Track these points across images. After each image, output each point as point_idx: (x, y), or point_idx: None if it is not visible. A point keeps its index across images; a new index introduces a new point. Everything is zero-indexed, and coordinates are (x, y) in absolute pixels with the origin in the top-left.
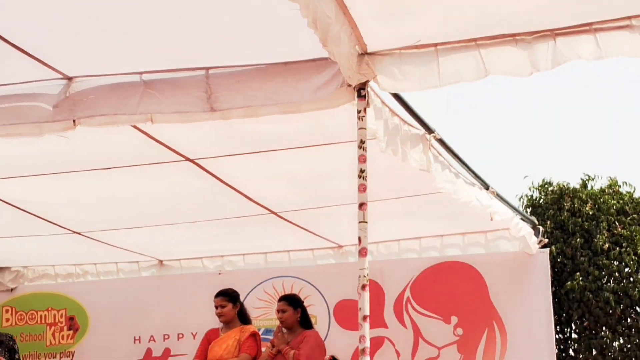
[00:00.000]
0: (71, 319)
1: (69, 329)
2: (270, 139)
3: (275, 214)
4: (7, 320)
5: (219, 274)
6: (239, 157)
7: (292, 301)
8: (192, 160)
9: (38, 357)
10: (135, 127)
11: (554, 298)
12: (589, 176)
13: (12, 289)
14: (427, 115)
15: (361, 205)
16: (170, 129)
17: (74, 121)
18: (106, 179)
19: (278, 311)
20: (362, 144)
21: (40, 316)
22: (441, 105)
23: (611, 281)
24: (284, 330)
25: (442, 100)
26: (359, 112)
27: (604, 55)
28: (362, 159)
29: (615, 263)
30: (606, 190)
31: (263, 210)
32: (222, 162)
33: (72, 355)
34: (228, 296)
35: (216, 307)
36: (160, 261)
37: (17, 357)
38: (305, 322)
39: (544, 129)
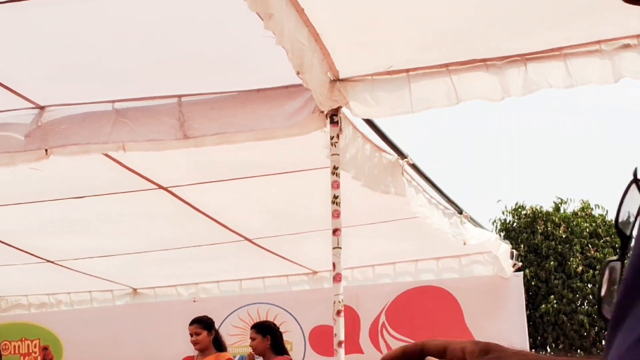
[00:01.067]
0: (45, 348)
1: (43, 359)
2: (243, 166)
3: (250, 240)
4: None
5: (194, 301)
6: (213, 185)
7: (260, 329)
8: (165, 189)
9: None
10: (108, 155)
11: (528, 321)
12: (562, 199)
13: None
14: (399, 141)
15: (335, 231)
16: (143, 157)
17: (46, 150)
18: (79, 207)
19: (250, 339)
20: (335, 169)
21: (14, 346)
22: (414, 131)
23: (585, 304)
24: (258, 357)
25: (414, 126)
26: (331, 138)
27: (575, 84)
28: (335, 185)
29: (589, 286)
30: (579, 213)
31: (237, 237)
32: (196, 190)
33: None
34: (203, 323)
35: (191, 335)
36: (135, 289)
37: None
38: (277, 348)
39: (516, 154)
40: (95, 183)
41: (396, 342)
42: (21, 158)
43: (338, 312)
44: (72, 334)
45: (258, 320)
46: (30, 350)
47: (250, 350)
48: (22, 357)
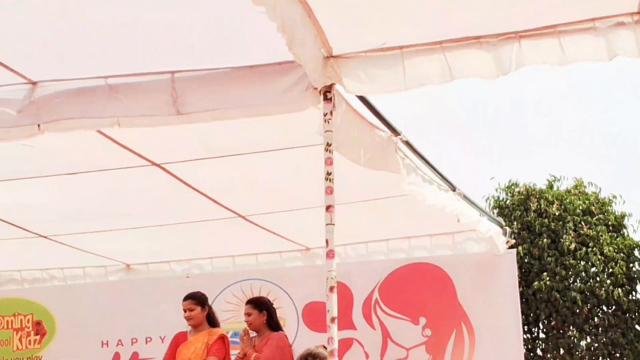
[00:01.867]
0: (38, 323)
1: (36, 334)
2: (237, 142)
3: (243, 217)
4: None
5: (187, 277)
6: (206, 162)
7: (257, 304)
8: (158, 165)
9: None
10: (100, 132)
11: (521, 298)
12: (555, 177)
13: None
14: (393, 117)
15: (328, 208)
16: (136, 134)
17: (38, 126)
18: (72, 183)
19: (244, 314)
20: (328, 146)
21: (7, 321)
22: (407, 108)
23: (578, 281)
24: (253, 333)
25: (408, 102)
26: (325, 114)
27: (568, 61)
28: (328, 162)
29: (582, 263)
30: (572, 191)
31: (230, 213)
32: (189, 166)
33: None
34: (196, 299)
35: (184, 311)
36: (128, 265)
37: None
38: (272, 324)
39: (510, 130)
40: (88, 160)
41: (390, 318)
42: (14, 134)
43: (331, 289)
44: (65, 309)
45: (252, 297)
46: (24, 325)
47: (244, 326)
48: (15, 332)
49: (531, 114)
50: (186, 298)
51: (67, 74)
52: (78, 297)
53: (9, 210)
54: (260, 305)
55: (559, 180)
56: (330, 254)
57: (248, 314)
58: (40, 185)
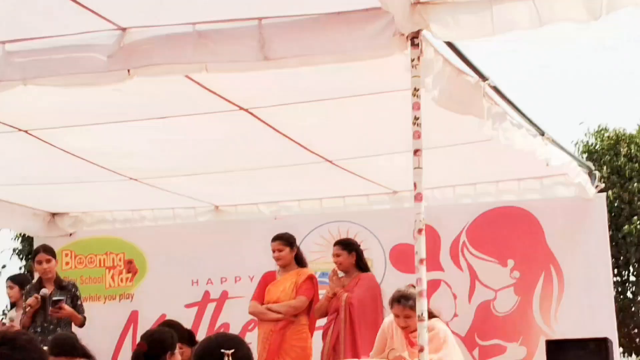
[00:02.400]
0: (129, 262)
1: (128, 272)
2: (324, 88)
3: (330, 162)
4: (67, 263)
5: (275, 219)
6: (293, 106)
7: (346, 245)
8: (246, 110)
9: (98, 299)
10: (188, 77)
11: (611, 242)
12: None
13: (70, 234)
14: (480, 63)
15: (416, 152)
16: (223, 79)
17: (128, 71)
18: (161, 127)
19: (333, 255)
20: (415, 91)
21: (99, 260)
22: (495, 53)
23: None
24: (341, 274)
25: (495, 48)
26: (412, 60)
27: None
28: (416, 107)
29: None
30: None
31: (318, 158)
32: (276, 111)
33: (132, 297)
34: (285, 240)
35: (273, 251)
36: (216, 206)
37: (79, 303)
38: (361, 265)
39: (599, 74)
40: (177, 104)
41: (477, 260)
42: (104, 78)
43: (419, 231)
44: (156, 248)
45: (340, 238)
46: (115, 264)
47: (332, 266)
48: (107, 270)
49: (621, 57)
50: (275, 239)
51: (155, 21)
52: (168, 237)
53: (100, 154)
54: (350, 246)
55: None
56: (418, 197)
57: (337, 255)
58: (130, 129)
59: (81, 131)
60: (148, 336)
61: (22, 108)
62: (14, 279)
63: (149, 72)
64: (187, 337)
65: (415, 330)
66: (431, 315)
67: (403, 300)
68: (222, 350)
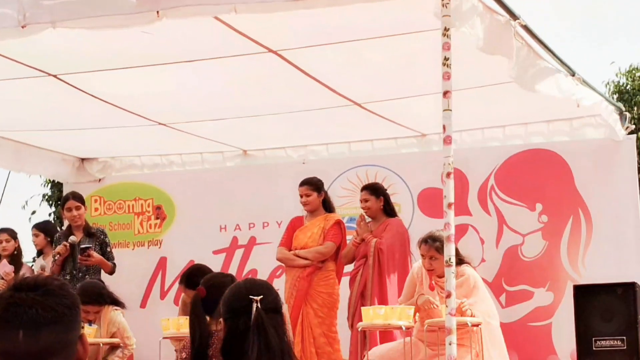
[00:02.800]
0: (158, 208)
1: (156, 218)
2: (352, 29)
3: (359, 105)
4: (96, 209)
5: (303, 163)
6: (322, 48)
7: (374, 190)
8: (275, 52)
9: (127, 246)
10: (218, 19)
11: None
12: None
13: (99, 180)
14: (511, 2)
15: (445, 93)
16: (252, 20)
17: (157, 12)
18: (190, 71)
19: (361, 200)
20: (446, 31)
21: (128, 206)
22: None
23: None
24: (368, 219)
25: None
26: None
27: None
28: (446, 47)
29: None
30: None
31: (346, 101)
32: (305, 53)
33: (160, 244)
34: (313, 185)
35: (301, 196)
36: (245, 151)
37: (108, 250)
38: (388, 210)
39: (630, 14)
40: (206, 47)
41: (506, 205)
42: (133, 20)
43: (448, 174)
44: (184, 194)
45: (367, 182)
46: (144, 210)
47: (360, 211)
48: (136, 216)
49: None
50: (303, 183)
51: None
52: (196, 182)
53: (129, 99)
54: (377, 191)
55: None
56: (447, 140)
57: (365, 200)
58: (158, 73)
59: (110, 75)
60: (207, 281)
61: (51, 52)
62: (39, 227)
63: (178, 13)
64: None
65: (442, 275)
66: (462, 261)
67: (430, 241)
68: (251, 297)
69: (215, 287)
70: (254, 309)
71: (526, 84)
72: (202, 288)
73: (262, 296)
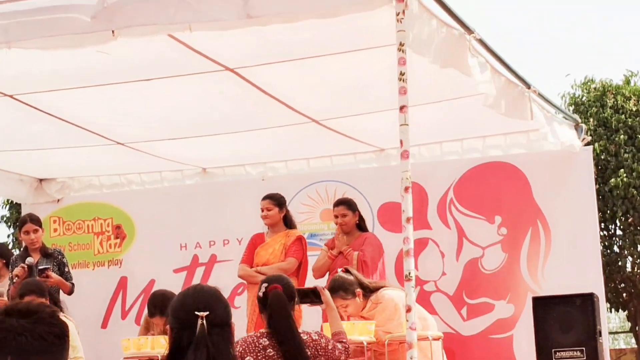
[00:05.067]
0: (118, 227)
1: (116, 237)
2: (308, 46)
3: (317, 122)
4: (55, 230)
5: (262, 180)
6: (278, 66)
7: (350, 205)
8: (232, 70)
9: (87, 266)
10: (173, 37)
11: (597, 195)
12: (632, 72)
13: (58, 200)
14: (465, 16)
15: (402, 108)
16: (208, 38)
17: (112, 32)
18: (147, 90)
19: (337, 216)
20: (401, 46)
21: (88, 226)
22: (479, 7)
23: None
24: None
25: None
26: (397, 14)
27: None
28: (401, 62)
29: None
30: None
31: (304, 118)
32: (261, 71)
33: (120, 263)
34: (275, 200)
35: (262, 210)
36: (204, 169)
37: (66, 270)
38: (362, 225)
39: (585, 26)
40: (163, 65)
41: (465, 218)
42: (88, 40)
43: (406, 189)
44: (144, 213)
45: (337, 198)
46: (104, 229)
47: (320, 227)
48: (95, 236)
49: (606, 7)
50: (265, 198)
51: None
52: (156, 201)
53: (86, 117)
54: (353, 206)
55: (636, 75)
56: (404, 155)
57: (343, 215)
58: (116, 92)
59: (67, 95)
60: (276, 279)
61: (6, 72)
62: None
63: (133, 32)
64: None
65: (354, 314)
66: (377, 288)
67: (341, 292)
68: (197, 313)
69: (286, 286)
70: (198, 325)
71: (496, 105)
72: (277, 285)
73: (208, 312)
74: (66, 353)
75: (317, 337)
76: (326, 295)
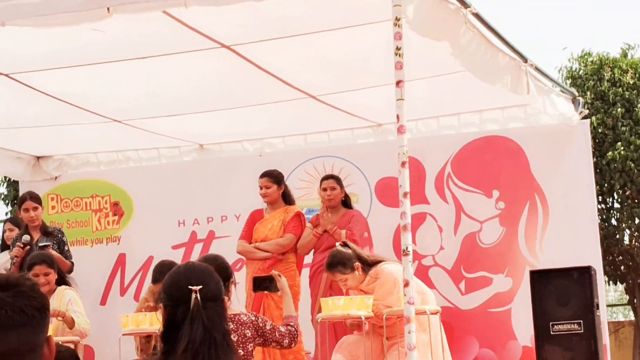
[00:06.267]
0: (115, 204)
1: (114, 214)
2: (304, 22)
3: (314, 97)
4: (53, 207)
5: (260, 156)
6: (275, 42)
7: (339, 180)
8: (228, 47)
9: (85, 243)
10: (168, 14)
11: (595, 168)
12: (629, 45)
13: (55, 178)
14: None
15: (398, 83)
16: (203, 15)
17: (108, 9)
18: (144, 68)
19: (327, 188)
20: (397, 21)
21: (85, 203)
22: None
23: None
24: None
25: None
26: None
27: None
28: (397, 37)
29: None
30: None
31: (301, 94)
32: (257, 47)
33: (119, 240)
34: (273, 177)
35: (260, 188)
36: (201, 145)
37: (66, 248)
38: (348, 201)
39: None
40: (159, 43)
41: (463, 192)
42: (83, 17)
43: (403, 164)
44: (141, 189)
45: (325, 173)
46: (102, 206)
47: (318, 202)
48: (93, 213)
49: None
50: (263, 175)
51: None
52: (153, 177)
53: (83, 95)
54: (341, 182)
55: (633, 48)
56: (401, 129)
57: (333, 188)
58: (112, 70)
59: (63, 73)
60: (211, 259)
61: (1, 51)
62: (13, 221)
63: (128, 9)
64: None
65: (353, 288)
66: (375, 262)
67: (331, 267)
68: (190, 287)
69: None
70: (193, 299)
71: (479, 74)
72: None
73: (201, 286)
74: (46, 327)
75: (254, 318)
76: (282, 281)
